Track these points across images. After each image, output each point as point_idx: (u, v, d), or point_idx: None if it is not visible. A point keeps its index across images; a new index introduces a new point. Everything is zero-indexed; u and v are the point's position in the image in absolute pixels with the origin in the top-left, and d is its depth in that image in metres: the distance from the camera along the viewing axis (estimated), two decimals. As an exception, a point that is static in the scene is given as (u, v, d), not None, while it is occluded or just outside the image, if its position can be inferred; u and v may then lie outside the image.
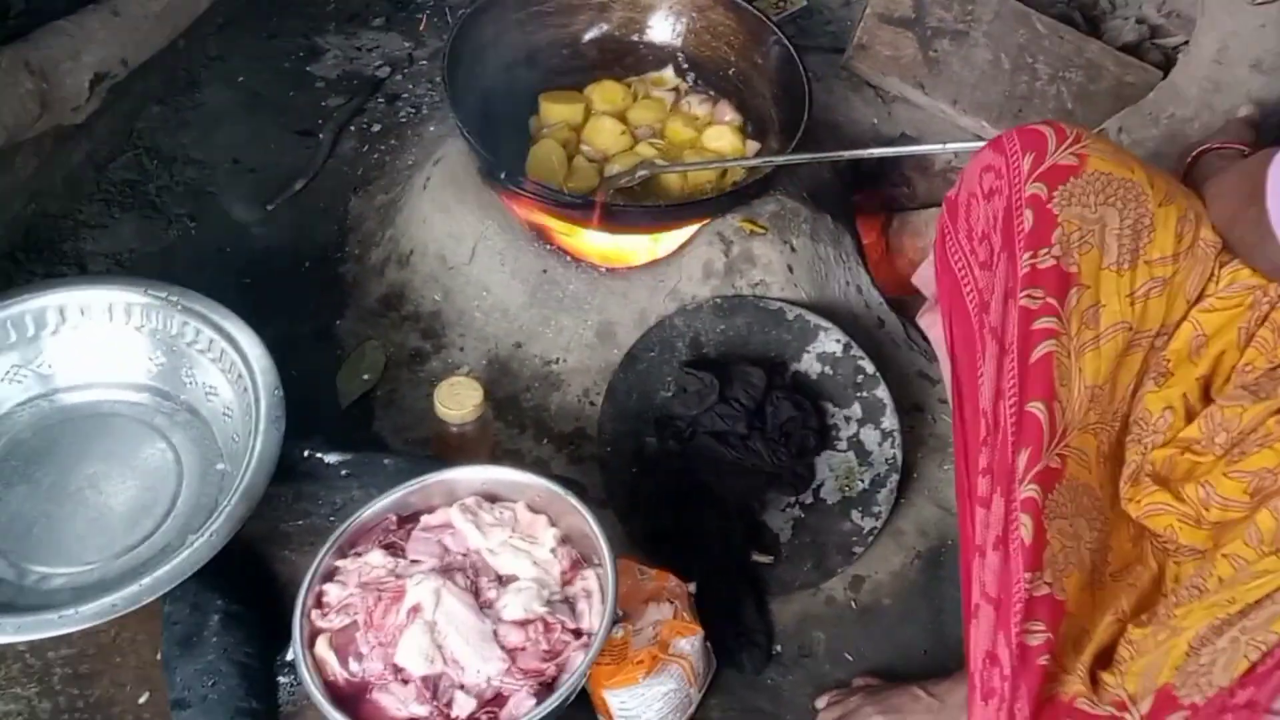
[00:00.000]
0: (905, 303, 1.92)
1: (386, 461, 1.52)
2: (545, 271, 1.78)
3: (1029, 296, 1.20)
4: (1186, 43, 1.96)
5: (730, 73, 1.95)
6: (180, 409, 1.53)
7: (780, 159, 1.69)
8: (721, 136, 1.86)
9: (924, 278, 1.44)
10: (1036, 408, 1.17)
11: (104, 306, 1.52)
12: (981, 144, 1.75)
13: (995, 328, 1.24)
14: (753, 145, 1.86)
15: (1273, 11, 1.77)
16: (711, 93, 1.95)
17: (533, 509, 1.38)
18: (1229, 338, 1.26)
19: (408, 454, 1.62)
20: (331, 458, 1.51)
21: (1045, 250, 1.21)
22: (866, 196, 2.04)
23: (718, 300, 1.71)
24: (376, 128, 2.14)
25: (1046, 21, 2.08)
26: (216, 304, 1.53)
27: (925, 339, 1.81)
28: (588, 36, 1.98)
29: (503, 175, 1.62)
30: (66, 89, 1.71)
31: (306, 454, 1.52)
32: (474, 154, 1.72)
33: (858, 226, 1.99)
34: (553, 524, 1.37)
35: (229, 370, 1.50)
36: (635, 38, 1.98)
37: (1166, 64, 2.12)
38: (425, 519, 1.37)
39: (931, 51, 2.04)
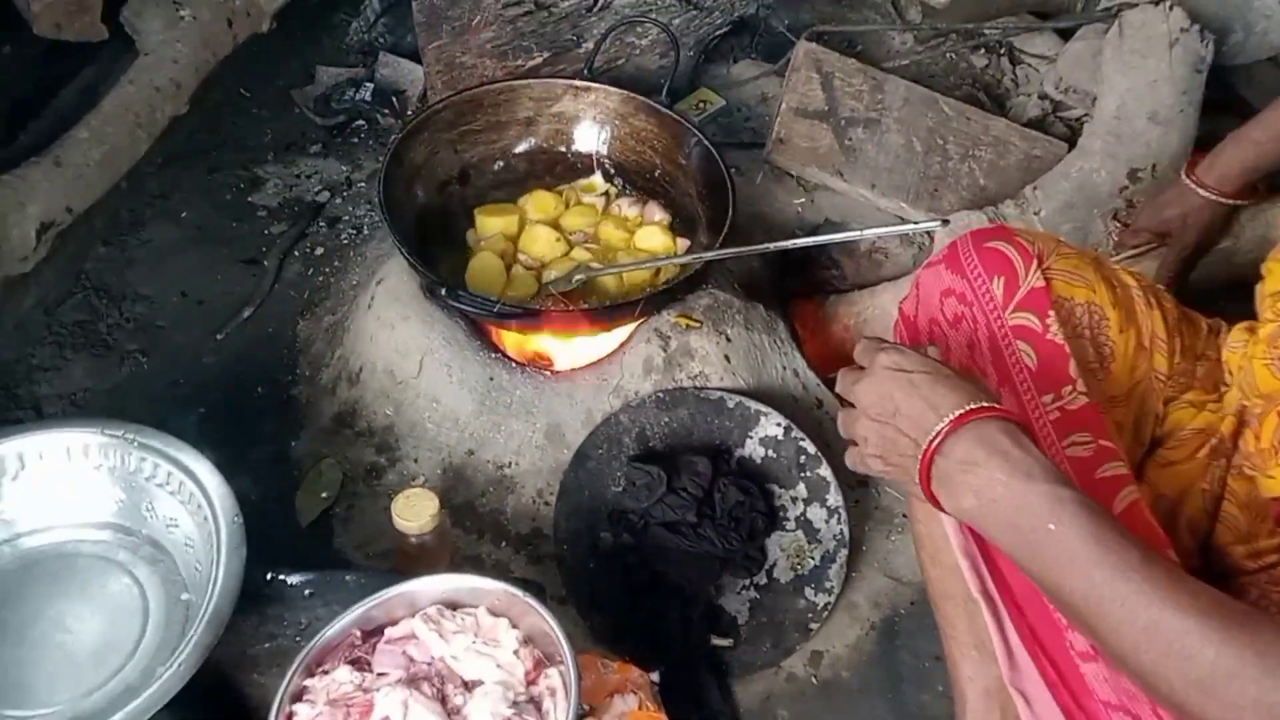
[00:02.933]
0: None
1: (348, 578, 1.55)
2: (492, 379, 1.83)
3: (1075, 444, 1.13)
4: (1087, 115, 2.07)
5: (656, 174, 2.03)
6: (143, 543, 1.56)
7: (709, 255, 1.76)
8: (652, 236, 1.94)
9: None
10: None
11: (62, 449, 1.55)
12: (902, 227, 1.85)
13: None
14: (683, 242, 1.94)
15: (1164, 69, 1.89)
16: (640, 194, 2.03)
17: (494, 613, 1.42)
18: (1195, 505, 1.21)
19: (369, 569, 1.66)
20: (294, 579, 1.54)
21: (1070, 389, 1.15)
22: (798, 280, 2.11)
23: (660, 394, 1.77)
24: (320, 251, 2.20)
25: (953, 104, 2.19)
26: (172, 438, 1.57)
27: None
28: (518, 150, 2.06)
29: (443, 291, 1.68)
30: (13, 240, 1.77)
31: (270, 577, 1.55)
32: (414, 272, 1.78)
33: (793, 308, 2.07)
34: (514, 626, 1.40)
35: (188, 502, 1.53)
36: (563, 148, 2.07)
37: (1070, 136, 2.23)
38: (389, 631, 1.40)
39: (847, 140, 2.14)
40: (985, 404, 0.98)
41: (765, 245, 1.73)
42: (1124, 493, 1.11)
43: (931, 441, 0.98)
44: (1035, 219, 1.95)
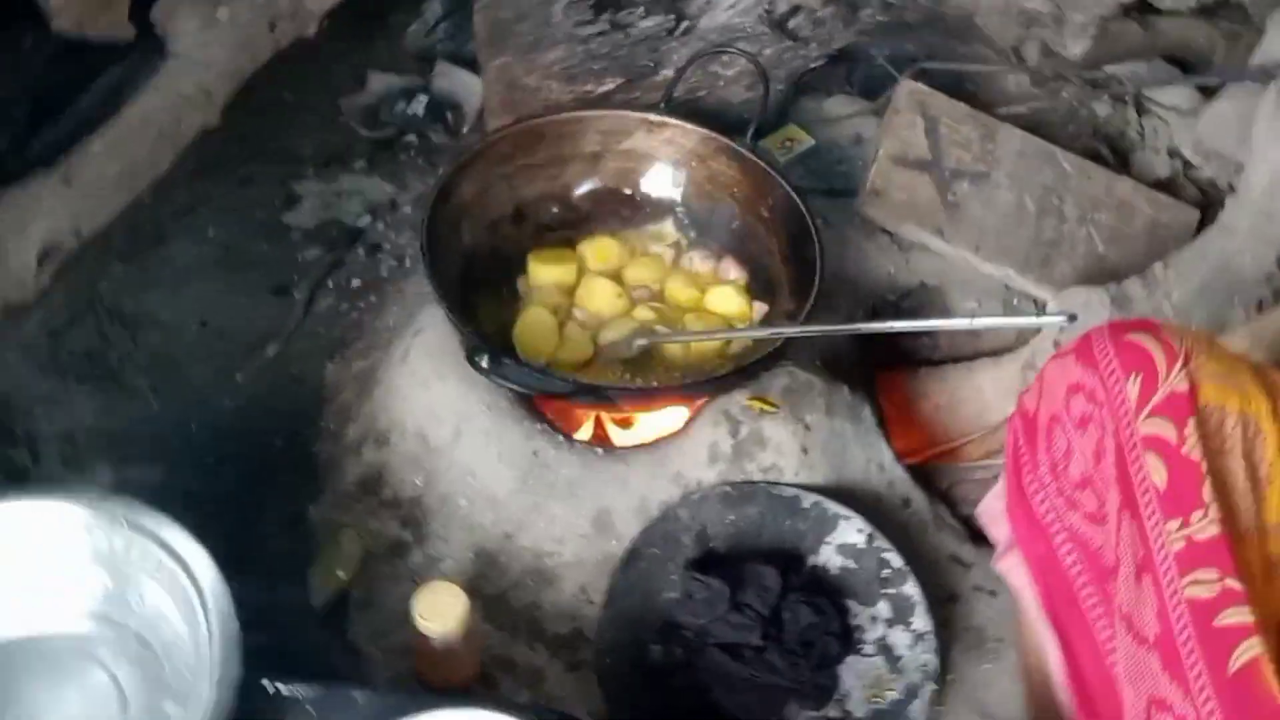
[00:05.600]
0: (931, 472, 1.77)
1: (357, 695, 1.34)
2: (536, 454, 1.62)
3: (1197, 583, 0.96)
4: (1230, 186, 1.83)
5: (734, 226, 1.80)
6: (127, 638, 1.37)
7: (791, 331, 1.54)
8: (726, 298, 1.71)
9: (991, 512, 1.24)
10: None
11: (43, 524, 1.36)
12: (1021, 320, 1.62)
13: (1127, 614, 1.00)
14: (760, 307, 1.71)
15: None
16: (714, 247, 1.80)
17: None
18: None
19: (381, 688, 1.45)
20: (297, 691, 1.34)
21: (1200, 515, 0.98)
22: (885, 350, 1.88)
23: (726, 488, 1.55)
24: (356, 283, 1.99)
25: (1073, 159, 1.95)
26: (168, 519, 1.36)
27: (965, 525, 1.68)
28: (580, 189, 1.83)
29: (484, 362, 1.46)
30: (10, 269, 1.57)
31: (269, 686, 1.35)
32: (459, 331, 1.57)
33: (877, 381, 1.84)
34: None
35: (179, 596, 1.33)
36: (630, 189, 1.84)
37: (1203, 201, 1.98)
38: (398, 774, 1.20)
39: (950, 195, 1.90)
40: None
41: (859, 326, 1.53)
42: (1243, 646, 0.93)
43: None
44: (1165, 301, 1.70)
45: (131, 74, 1.85)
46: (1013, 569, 1.20)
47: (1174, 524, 0.98)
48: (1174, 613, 0.95)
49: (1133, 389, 1.04)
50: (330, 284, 1.99)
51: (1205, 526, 0.97)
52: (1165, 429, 1.01)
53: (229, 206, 2.08)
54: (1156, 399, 1.03)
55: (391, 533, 1.66)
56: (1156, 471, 1.00)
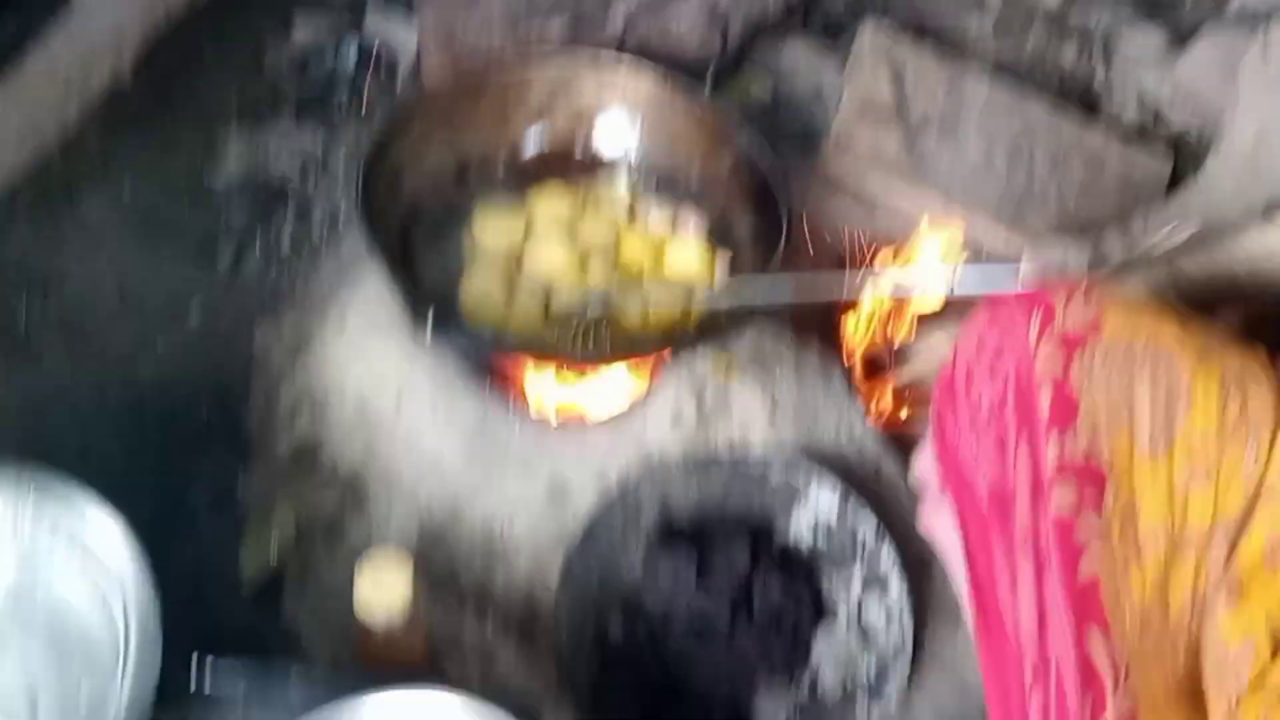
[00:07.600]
0: (900, 439, 1.68)
1: (296, 674, 1.23)
2: (485, 421, 1.51)
3: (1061, 500, 1.02)
4: (1209, 138, 1.76)
5: (692, 177, 1.69)
6: (35, 626, 1.24)
7: (758, 295, 1.43)
8: (686, 258, 1.61)
9: (919, 471, 1.25)
10: (1094, 642, 0.98)
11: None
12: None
13: (1027, 536, 1.03)
14: (723, 255, 1.61)
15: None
16: (671, 201, 1.69)
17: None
18: None
19: (316, 672, 1.33)
20: (223, 683, 1.22)
21: (1071, 435, 1.03)
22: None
23: (689, 458, 1.46)
24: (285, 243, 1.86)
25: (1042, 109, 1.86)
26: (80, 487, 1.24)
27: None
28: (527, 142, 1.71)
29: (428, 329, 1.34)
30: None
31: (195, 671, 1.23)
32: (400, 295, 1.46)
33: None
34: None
35: (92, 578, 1.21)
36: (580, 140, 1.73)
37: (1175, 152, 1.91)
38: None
39: (917, 147, 1.81)
40: None
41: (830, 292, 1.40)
42: (1085, 562, 1.00)
43: None
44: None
45: (30, 25, 1.71)
46: (937, 526, 1.20)
47: (1053, 441, 1.03)
48: (1044, 526, 1.01)
49: (1033, 327, 1.08)
50: (257, 244, 1.86)
51: (1073, 448, 1.02)
52: (1056, 360, 1.06)
53: (146, 165, 1.92)
54: (1051, 334, 1.07)
55: (329, 506, 1.54)
56: (1045, 399, 1.05)
